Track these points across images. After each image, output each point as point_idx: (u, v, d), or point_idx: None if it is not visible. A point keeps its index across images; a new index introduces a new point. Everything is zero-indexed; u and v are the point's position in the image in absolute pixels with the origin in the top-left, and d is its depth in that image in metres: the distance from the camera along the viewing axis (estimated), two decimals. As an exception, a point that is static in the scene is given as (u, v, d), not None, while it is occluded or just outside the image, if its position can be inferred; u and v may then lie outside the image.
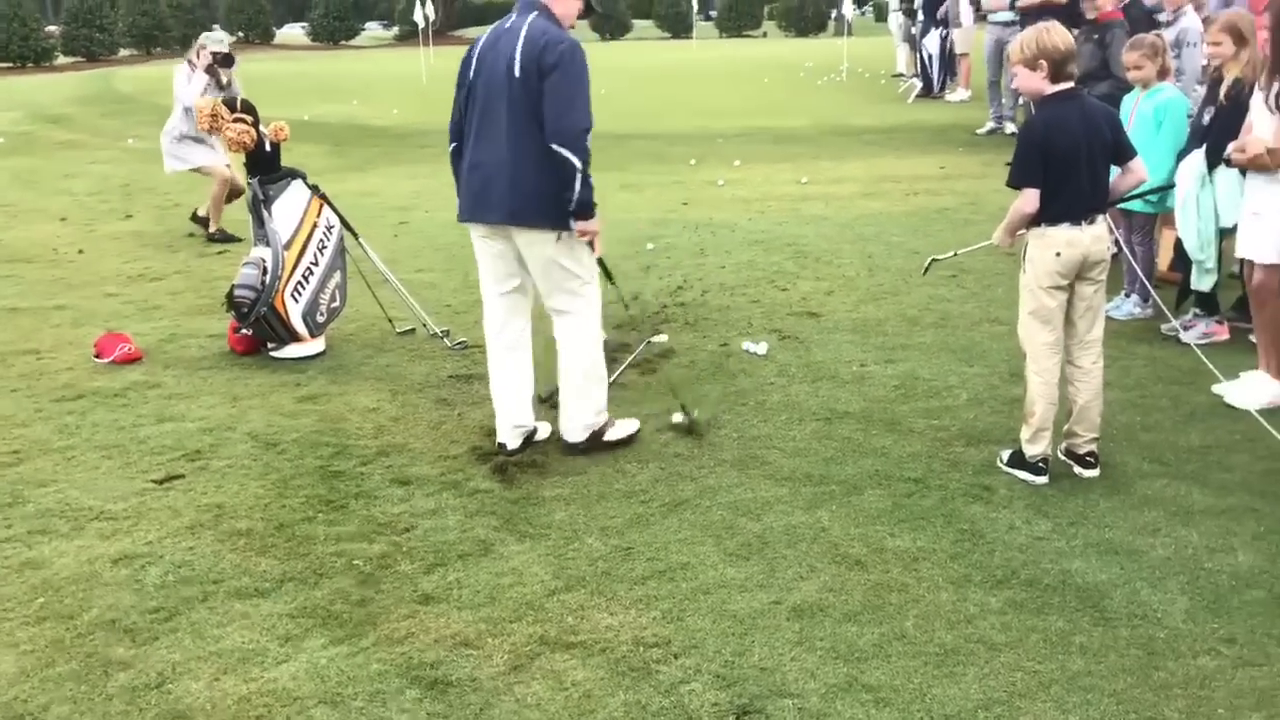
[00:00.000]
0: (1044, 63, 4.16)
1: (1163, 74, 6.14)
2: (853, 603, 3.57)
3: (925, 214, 9.63)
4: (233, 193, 9.23)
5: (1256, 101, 4.99)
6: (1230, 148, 5.09)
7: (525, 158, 4.34)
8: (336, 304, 6.39)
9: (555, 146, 4.25)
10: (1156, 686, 3.12)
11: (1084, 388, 4.42)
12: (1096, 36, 7.62)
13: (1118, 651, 3.28)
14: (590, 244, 4.54)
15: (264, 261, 6.11)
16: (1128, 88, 6.52)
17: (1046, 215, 4.24)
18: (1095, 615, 3.47)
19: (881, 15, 47.59)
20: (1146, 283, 6.15)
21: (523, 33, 4.33)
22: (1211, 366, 5.03)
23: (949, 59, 18.01)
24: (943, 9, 17.12)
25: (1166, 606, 3.51)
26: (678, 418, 4.97)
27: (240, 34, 53.38)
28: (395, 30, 57.01)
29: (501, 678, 3.22)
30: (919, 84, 18.73)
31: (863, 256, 8.19)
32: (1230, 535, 3.94)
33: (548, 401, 5.38)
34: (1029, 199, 4.20)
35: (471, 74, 4.49)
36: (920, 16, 18.25)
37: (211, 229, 9.31)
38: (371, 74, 29.18)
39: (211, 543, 4.06)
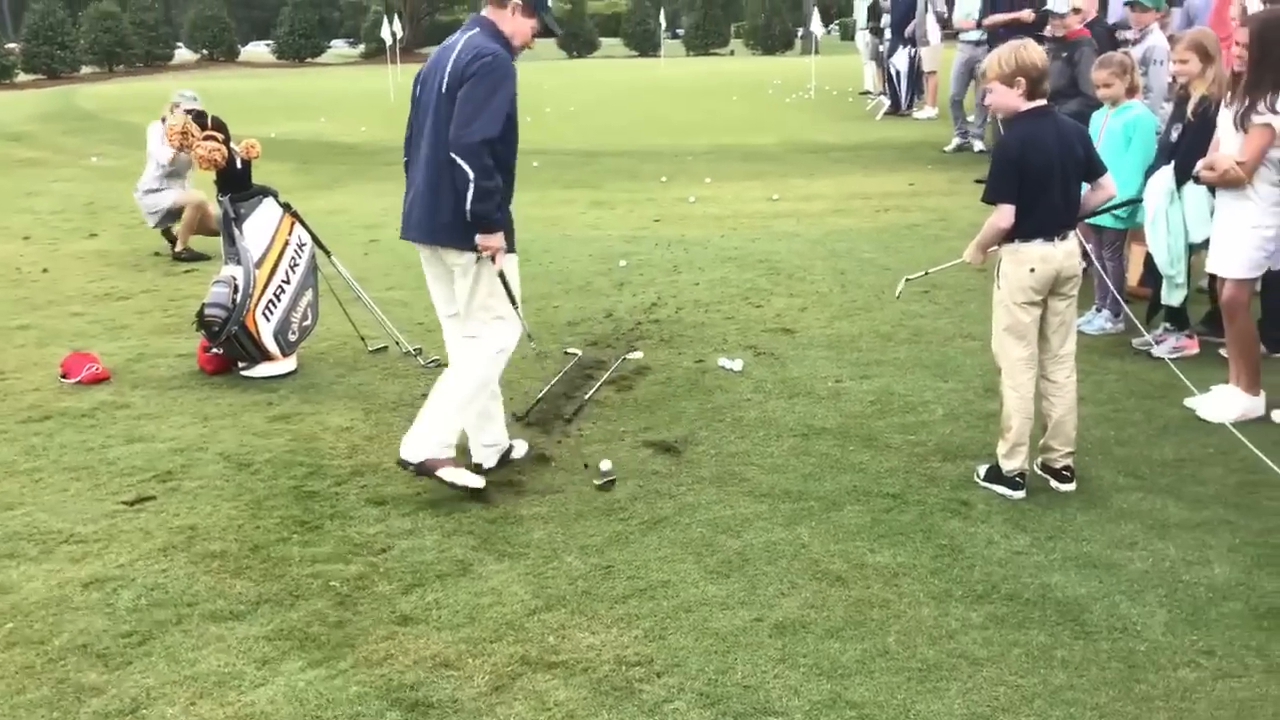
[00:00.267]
0: (1022, 80, 4.20)
1: (1131, 92, 6.21)
2: (834, 619, 3.56)
3: (895, 230, 9.69)
4: (204, 227, 9.14)
5: (1224, 119, 5.06)
6: (1199, 165, 5.15)
7: (446, 177, 4.28)
8: (308, 322, 6.34)
9: (453, 155, 4.20)
10: (1138, 699, 3.13)
11: (1058, 402, 4.45)
12: (1065, 55, 7.70)
13: (1099, 665, 3.29)
14: (493, 259, 4.39)
15: (235, 280, 6.05)
16: (1096, 105, 6.59)
17: (1020, 231, 4.27)
18: (1076, 629, 3.48)
19: (847, 34, 48.02)
20: (1118, 297, 6.21)
21: (457, 49, 4.32)
22: (1185, 380, 5.08)
23: (916, 77, 18.16)
24: (910, 27, 17.28)
25: (1146, 619, 3.52)
26: (605, 466, 4.70)
27: (205, 51, 53.11)
28: (361, 48, 56.87)
29: (483, 699, 3.19)
30: (887, 101, 18.86)
31: (835, 273, 8.22)
32: (1206, 548, 3.97)
33: (524, 419, 5.37)
34: (1004, 214, 4.23)
35: (418, 91, 4.48)
36: (888, 35, 18.40)
37: (178, 248, 9.22)
38: (339, 91, 29.07)
39: (185, 565, 4.00)
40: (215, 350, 6.10)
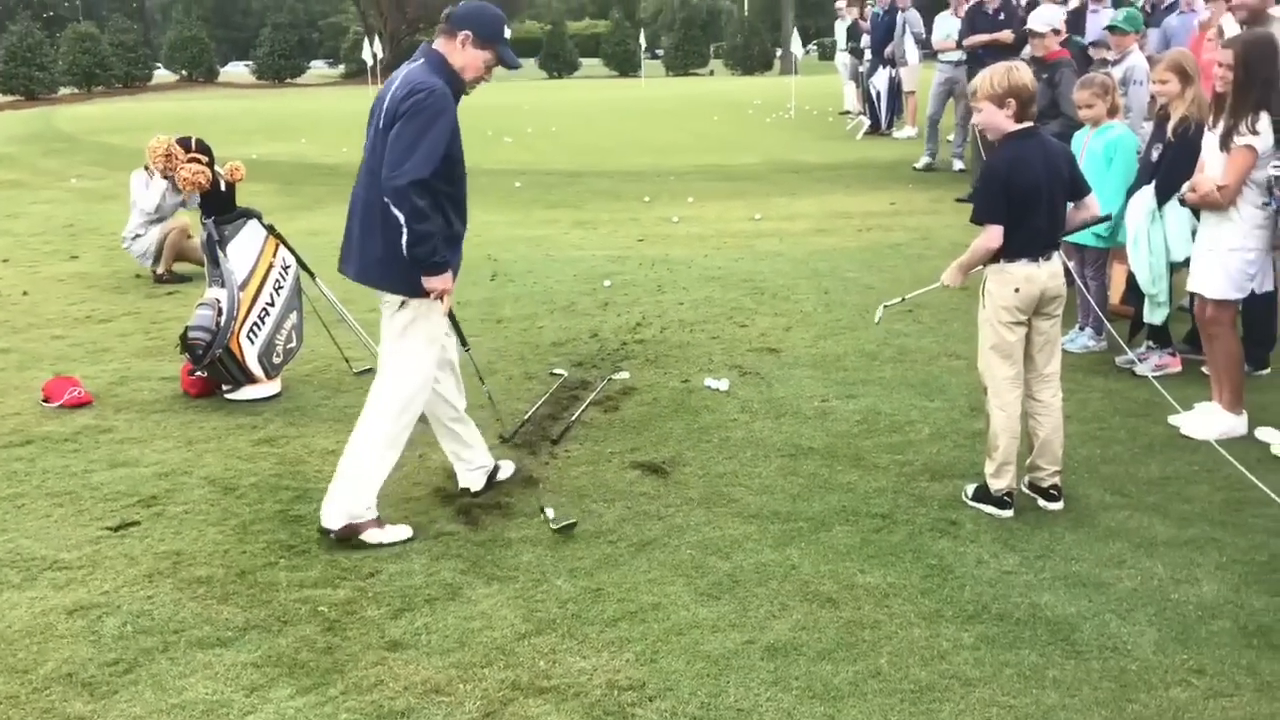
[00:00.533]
0: (1012, 101, 4.23)
1: (1112, 112, 6.27)
2: (826, 641, 3.55)
3: (878, 249, 9.73)
4: (187, 256, 9.12)
5: (1209, 141, 5.11)
6: (1184, 188, 5.20)
7: (378, 216, 4.13)
8: (293, 344, 6.31)
9: (385, 198, 4.03)
10: (1130, 719, 3.13)
11: (1045, 421, 4.47)
12: (1045, 76, 7.77)
13: (1090, 684, 3.29)
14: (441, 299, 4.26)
15: (219, 302, 6.02)
16: (1077, 126, 6.65)
17: (1006, 251, 4.30)
18: (1066, 648, 3.48)
19: (826, 54, 48.34)
20: (1101, 316, 6.25)
21: (396, 83, 4.17)
22: (1169, 398, 5.11)
23: (896, 97, 18.30)
24: (889, 48, 17.41)
25: (1136, 638, 3.53)
26: (550, 513, 4.48)
27: (184, 72, 53.04)
28: (341, 68, 56.91)
29: (475, 725, 3.16)
30: (867, 121, 19.00)
31: (819, 292, 8.24)
32: (1194, 566, 3.98)
33: (509, 441, 5.35)
34: (993, 235, 4.25)
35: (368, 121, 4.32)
36: (867, 55, 18.54)
37: (160, 270, 9.17)
38: (320, 112, 29.05)
39: (170, 591, 3.96)
40: (199, 373, 6.06)
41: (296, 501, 4.72)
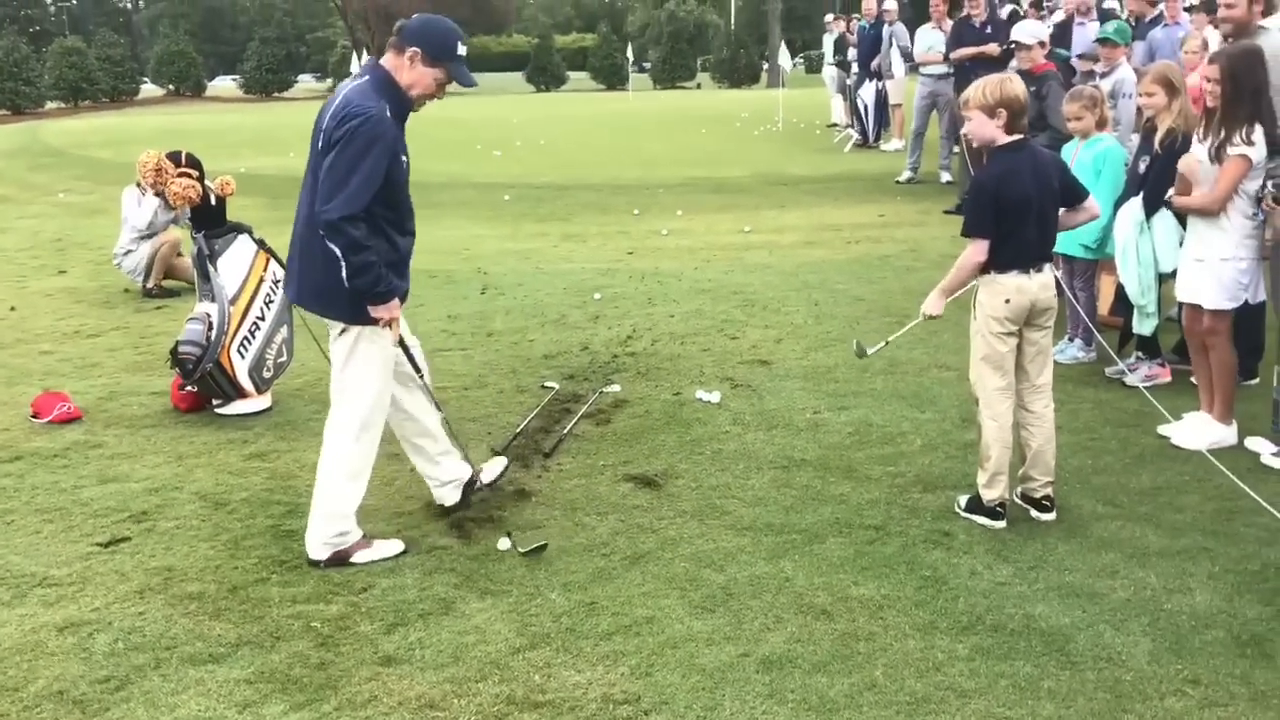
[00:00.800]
0: (1003, 112, 4.25)
1: (1101, 124, 6.30)
2: (821, 653, 3.55)
3: (867, 261, 9.76)
4: (177, 274, 9.10)
5: (1199, 153, 5.13)
6: (1171, 190, 5.24)
7: (316, 241, 4.01)
8: (283, 359, 6.29)
9: (320, 232, 3.94)
10: (1127, 730, 3.13)
11: (1037, 432, 4.48)
12: (1032, 88, 7.80)
13: (1086, 695, 3.30)
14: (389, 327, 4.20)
15: (209, 317, 6.00)
16: (1065, 139, 6.68)
17: (996, 263, 4.32)
18: (1061, 659, 3.49)
19: (813, 67, 48.56)
20: (1091, 326, 6.27)
21: (337, 100, 4.04)
22: (1160, 408, 5.13)
23: (883, 109, 18.37)
24: (876, 61, 17.49)
25: (1130, 648, 3.53)
26: (504, 545, 4.35)
27: (171, 86, 52.97)
28: (329, 82, 56.91)
29: (470, 740, 3.15)
30: (855, 134, 19.07)
31: (809, 304, 8.26)
32: (1187, 576, 3.99)
33: (502, 454, 5.34)
34: (979, 249, 4.28)
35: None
36: (854, 68, 18.63)
37: (150, 284, 9.14)
38: (307, 126, 28.75)
39: (162, 607, 3.93)
40: (189, 388, 6.04)
41: (288, 516, 4.70)
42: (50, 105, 43.87)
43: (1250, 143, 4.86)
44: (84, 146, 23.51)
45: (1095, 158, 6.21)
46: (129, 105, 46.44)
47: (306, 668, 3.53)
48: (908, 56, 16.76)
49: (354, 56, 27.16)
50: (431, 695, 3.37)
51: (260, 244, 6.28)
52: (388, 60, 4.12)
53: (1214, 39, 7.42)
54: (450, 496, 4.67)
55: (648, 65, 59.84)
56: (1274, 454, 5.01)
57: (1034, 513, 4.50)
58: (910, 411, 5.82)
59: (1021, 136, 4.33)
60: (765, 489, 4.88)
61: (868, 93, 18.13)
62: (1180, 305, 5.50)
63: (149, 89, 53.28)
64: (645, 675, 3.45)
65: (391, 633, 3.74)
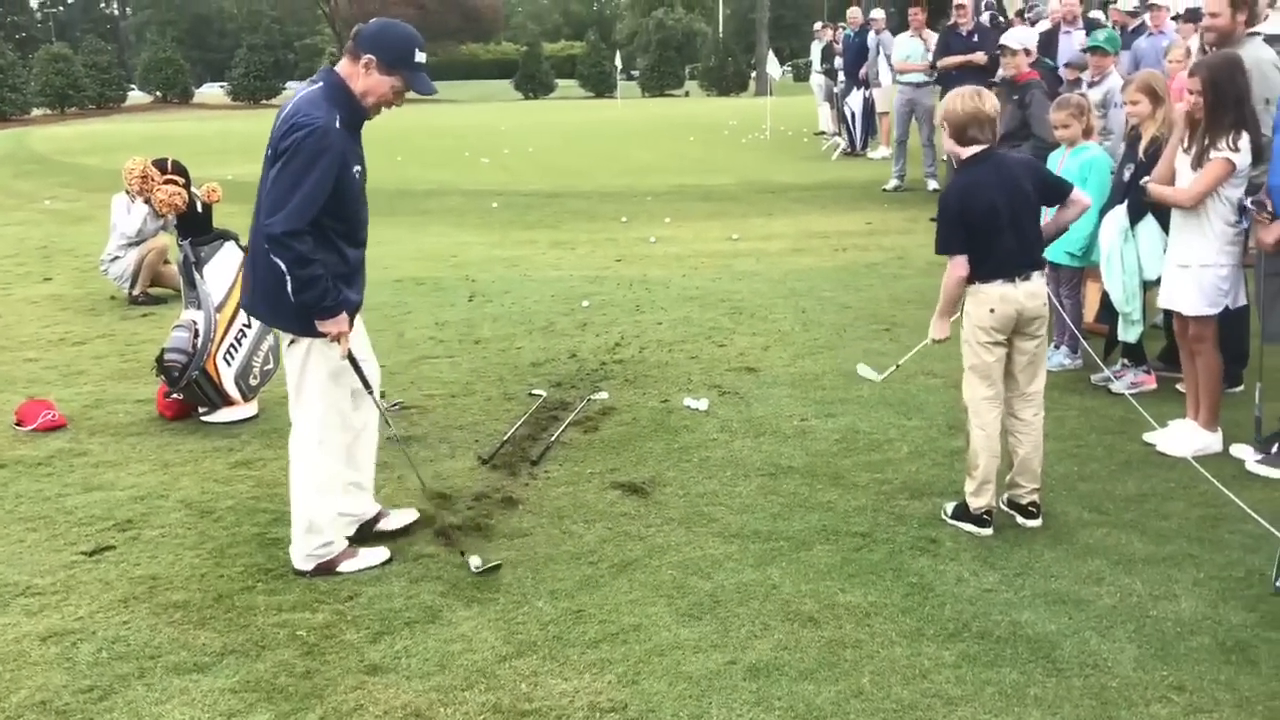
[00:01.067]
0: (946, 125, 4.34)
1: (1087, 133, 6.33)
2: (808, 660, 3.55)
3: (854, 269, 9.78)
4: (162, 282, 9.08)
5: (1181, 161, 5.16)
6: (1147, 178, 5.29)
7: (263, 251, 3.95)
8: (270, 366, 6.27)
9: (265, 245, 3.88)
10: (1112, 736, 3.14)
11: (1025, 439, 4.49)
12: (1016, 97, 7.84)
13: (1072, 702, 3.30)
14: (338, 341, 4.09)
15: (195, 324, 5.99)
16: (1049, 147, 6.71)
17: (979, 274, 4.35)
18: (1048, 666, 3.49)
19: (801, 75, 48.70)
20: (1077, 334, 6.29)
21: (289, 107, 3.96)
22: (1145, 415, 5.15)
23: (870, 117, 18.44)
24: (864, 69, 17.56)
25: (1116, 655, 3.54)
26: (475, 562, 4.21)
27: (158, 93, 52.85)
28: (318, 89, 56.72)
29: (456, 749, 3.14)
30: (843, 142, 19.12)
31: (796, 311, 8.27)
32: (1172, 582, 4.00)
33: (489, 462, 5.33)
34: (958, 265, 4.34)
35: None
36: (842, 77, 18.69)
37: (136, 291, 9.11)
38: (295, 133, 28.92)
39: (146, 616, 3.91)
40: (175, 395, 6.02)
41: (274, 524, 4.68)
42: (36, 112, 43.70)
43: (1236, 149, 4.89)
44: (70, 153, 23.44)
45: (1081, 166, 6.23)
46: (116, 112, 46.31)
47: (292, 676, 3.52)
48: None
49: (342, 64, 27.11)
50: (417, 704, 3.36)
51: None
52: (343, 67, 4.01)
53: (1198, 48, 7.46)
54: (341, 530, 4.36)
55: (636, 73, 59.95)
56: (1258, 461, 5.03)
57: (1020, 519, 4.51)
58: (897, 419, 5.83)
59: (983, 148, 4.34)
60: (752, 496, 4.89)
61: (855, 101, 18.19)
62: (1166, 312, 5.53)
63: (136, 96, 53.16)
64: (632, 683, 3.44)
65: (378, 641, 3.72)
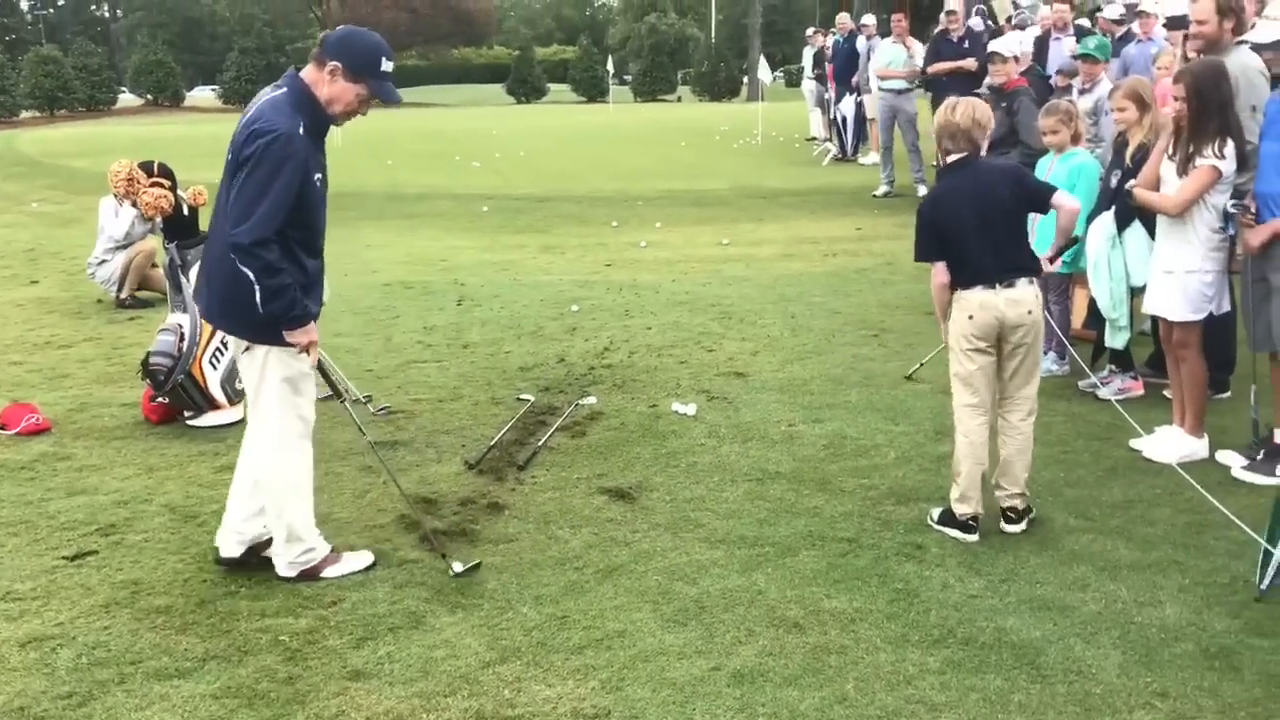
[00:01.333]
0: (944, 141, 4.38)
1: (1075, 139, 6.34)
2: (792, 666, 3.54)
3: (844, 274, 9.79)
4: (149, 285, 9.05)
5: (1167, 168, 5.16)
6: (1133, 182, 5.30)
7: (225, 259, 3.88)
8: (256, 370, 6.23)
9: (231, 255, 3.82)
10: (1096, 743, 3.13)
11: (1009, 442, 4.49)
12: (1004, 105, 7.86)
13: (1056, 709, 3.29)
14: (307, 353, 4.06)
15: (181, 328, 5.96)
16: (1037, 155, 6.72)
17: (958, 280, 4.37)
18: (1032, 672, 3.48)
19: (793, 81, 48.81)
20: (1064, 340, 6.30)
21: (250, 111, 3.91)
22: (1132, 421, 5.15)
23: (861, 123, 18.46)
24: (856, 75, 17.57)
25: (1100, 662, 3.54)
26: (456, 567, 4.20)
27: (149, 96, 52.76)
28: (309, 93, 56.74)
29: (437, 756, 3.12)
30: (834, 148, 19.14)
31: (785, 317, 8.27)
32: (1157, 589, 4.00)
33: (476, 467, 5.32)
34: (938, 272, 4.40)
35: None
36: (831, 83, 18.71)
37: (123, 294, 9.07)
38: (286, 136, 28.86)
39: (128, 621, 3.89)
40: (161, 399, 5.99)
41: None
42: (26, 114, 43.60)
43: (1222, 156, 4.90)
44: (59, 156, 23.37)
45: (1070, 172, 6.24)
46: (106, 115, 46.20)
47: (274, 682, 3.49)
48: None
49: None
50: (400, 710, 3.34)
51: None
52: (308, 73, 3.96)
53: (1180, 55, 7.47)
54: (231, 546, 4.24)
55: (628, 78, 59.99)
56: (1244, 467, 5.03)
57: (1002, 523, 4.50)
58: (885, 424, 5.83)
59: (961, 156, 4.36)
60: (739, 502, 4.88)
61: (846, 106, 18.21)
62: (1154, 318, 5.54)
63: (127, 99, 53.06)
64: (616, 689, 3.43)
65: (360, 647, 3.70)
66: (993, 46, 8.96)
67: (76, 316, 8.83)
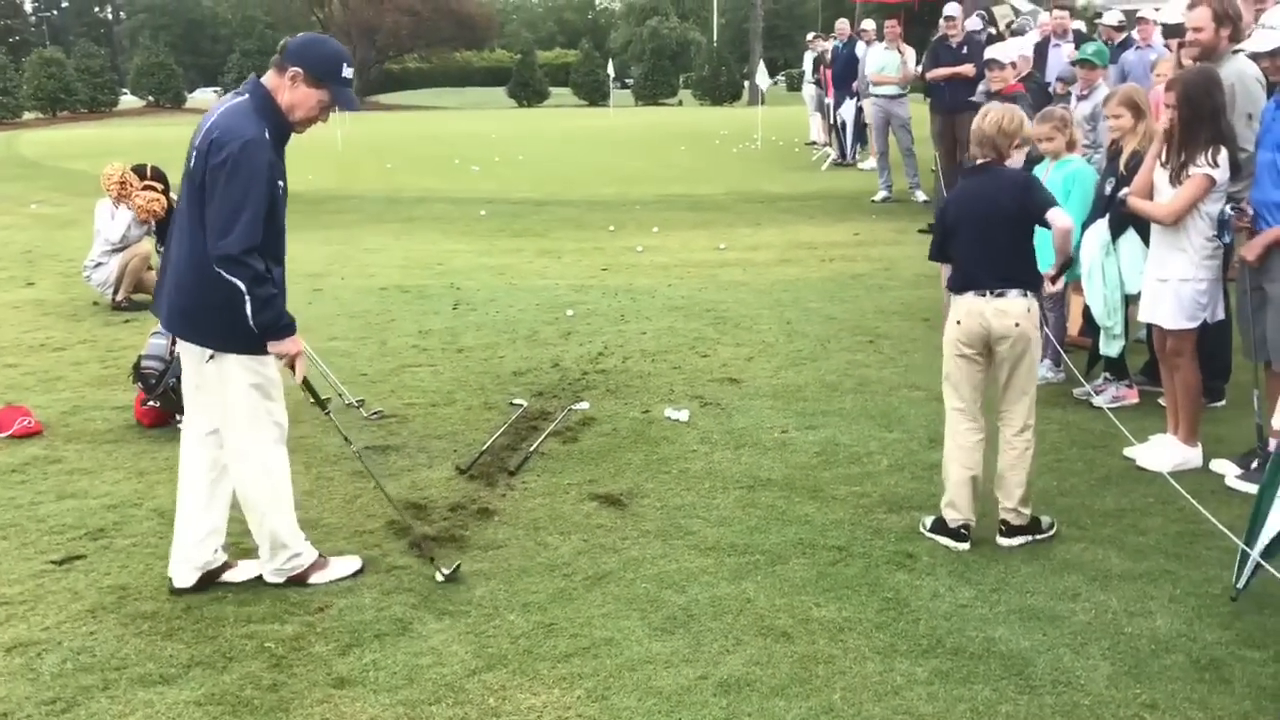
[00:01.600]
0: (974, 147, 4.42)
1: (1070, 146, 6.32)
2: (780, 676, 3.52)
3: (841, 280, 9.77)
4: (146, 286, 9.04)
5: (1160, 176, 5.15)
6: (1126, 190, 5.29)
7: (186, 261, 3.87)
8: (249, 374, 6.22)
9: (217, 269, 3.76)
10: (1083, 755, 3.11)
11: (1002, 455, 4.47)
12: (1002, 109, 7.83)
13: (1043, 720, 3.28)
14: (292, 367, 4.04)
15: (173, 331, 5.93)
16: (1033, 161, 6.69)
17: (952, 283, 4.38)
18: (1020, 683, 3.47)
19: (793, 85, 48.84)
20: (1059, 348, 6.29)
21: (209, 122, 3.87)
22: (1124, 430, 5.13)
23: (860, 128, 18.44)
24: (856, 80, 17.55)
25: (1089, 673, 3.52)
26: (439, 576, 4.18)
27: (151, 98, 52.80)
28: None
29: (421, 765, 3.10)
30: (833, 153, 19.13)
31: (781, 322, 8.25)
32: (1148, 599, 3.98)
33: (467, 472, 5.30)
34: (944, 270, 4.34)
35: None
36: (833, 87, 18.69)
37: (119, 297, 9.06)
38: (286, 139, 28.88)
39: (114, 626, 3.87)
40: (153, 403, 5.98)
41: (247, 534, 4.58)
42: (28, 115, 43.64)
43: (1215, 165, 4.88)
44: (59, 158, 23.38)
45: (1065, 178, 6.22)
46: (108, 116, 46.24)
47: (258, 689, 3.48)
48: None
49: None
50: (384, 718, 3.32)
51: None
52: (269, 79, 3.93)
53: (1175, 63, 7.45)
54: (184, 575, 4.12)
55: (630, 81, 60.02)
56: (1239, 476, 5.02)
57: (997, 536, 4.47)
58: (878, 431, 5.81)
59: (983, 162, 4.36)
60: (730, 509, 4.86)
61: (846, 112, 18.20)
62: (1149, 326, 5.52)
63: (128, 100, 53.13)
64: (602, 698, 3.41)
65: (346, 654, 3.69)
66: (990, 53, 8.96)
67: (72, 319, 8.82)
